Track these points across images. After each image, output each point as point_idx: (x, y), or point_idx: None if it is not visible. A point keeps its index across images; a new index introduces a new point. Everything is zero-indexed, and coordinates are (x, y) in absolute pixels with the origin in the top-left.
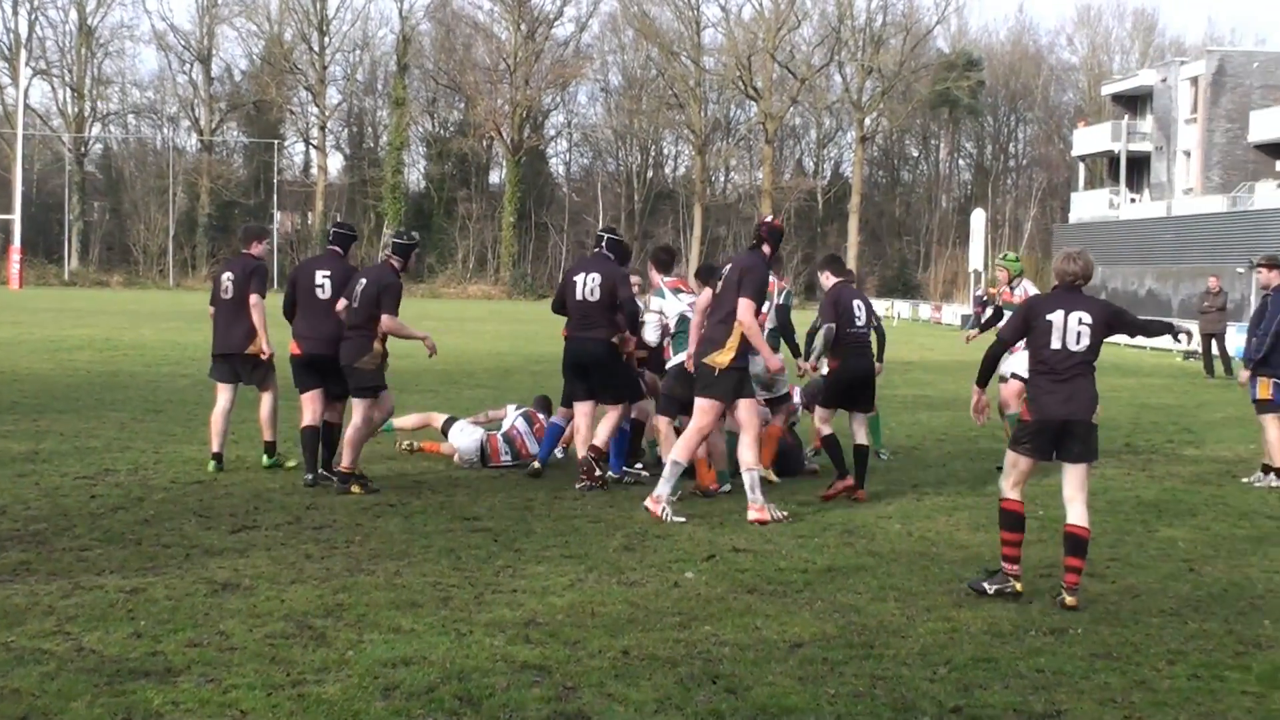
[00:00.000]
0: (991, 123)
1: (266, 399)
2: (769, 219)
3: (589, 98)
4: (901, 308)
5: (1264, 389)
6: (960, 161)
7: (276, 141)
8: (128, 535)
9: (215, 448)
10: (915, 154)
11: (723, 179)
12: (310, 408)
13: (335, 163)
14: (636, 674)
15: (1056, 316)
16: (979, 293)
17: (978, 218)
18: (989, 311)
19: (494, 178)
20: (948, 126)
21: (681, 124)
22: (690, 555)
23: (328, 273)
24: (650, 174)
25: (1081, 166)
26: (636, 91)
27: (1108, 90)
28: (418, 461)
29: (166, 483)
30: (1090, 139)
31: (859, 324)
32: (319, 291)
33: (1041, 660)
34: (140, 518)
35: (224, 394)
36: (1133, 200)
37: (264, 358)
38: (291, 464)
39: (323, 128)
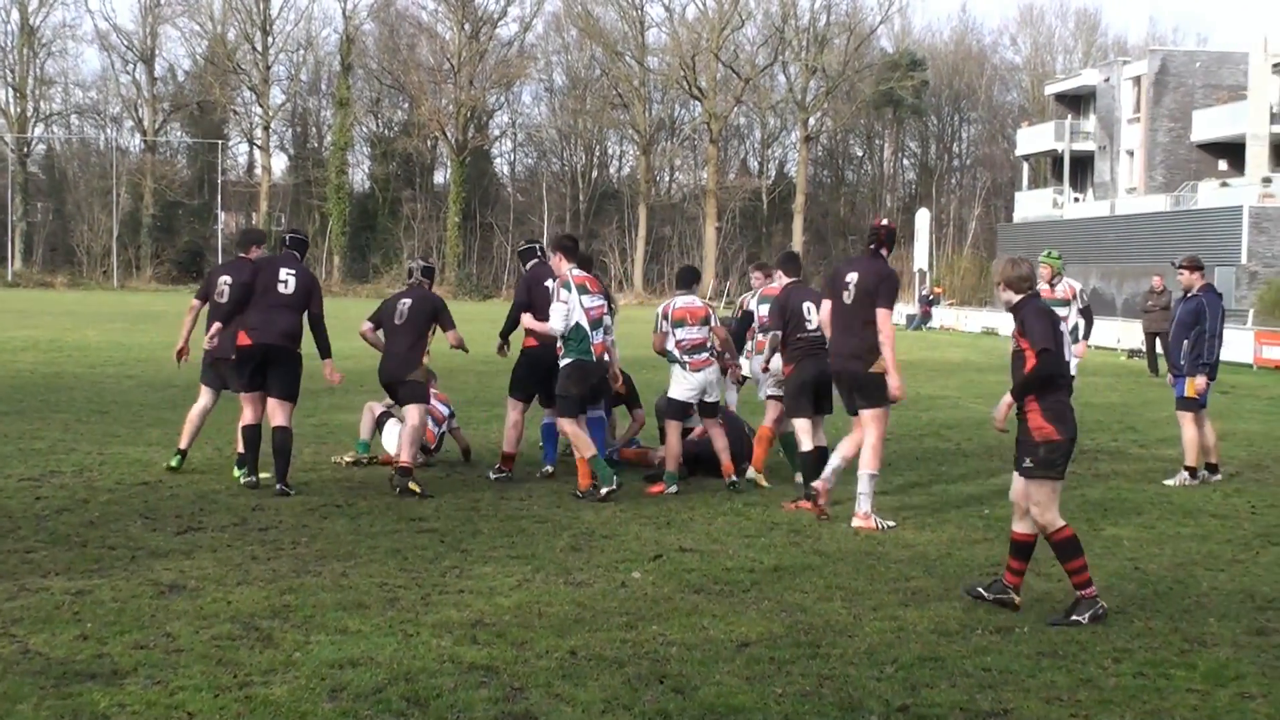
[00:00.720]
0: (935, 122)
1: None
2: (884, 222)
3: (533, 98)
4: None
5: (1192, 388)
6: (904, 161)
7: (220, 142)
8: (73, 537)
9: (183, 444)
10: (860, 154)
11: (667, 179)
12: (251, 407)
13: (279, 163)
14: (584, 674)
15: (1060, 327)
16: (924, 292)
17: (922, 217)
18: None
19: (439, 178)
20: (892, 126)
21: (626, 124)
22: (637, 555)
23: (292, 271)
24: (595, 174)
25: (1025, 166)
26: (581, 91)
27: (1051, 90)
28: (364, 467)
29: (112, 484)
30: (1034, 139)
31: (810, 328)
32: (282, 287)
33: (988, 659)
34: (86, 519)
35: (206, 396)
36: (1076, 200)
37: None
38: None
39: (266, 128)
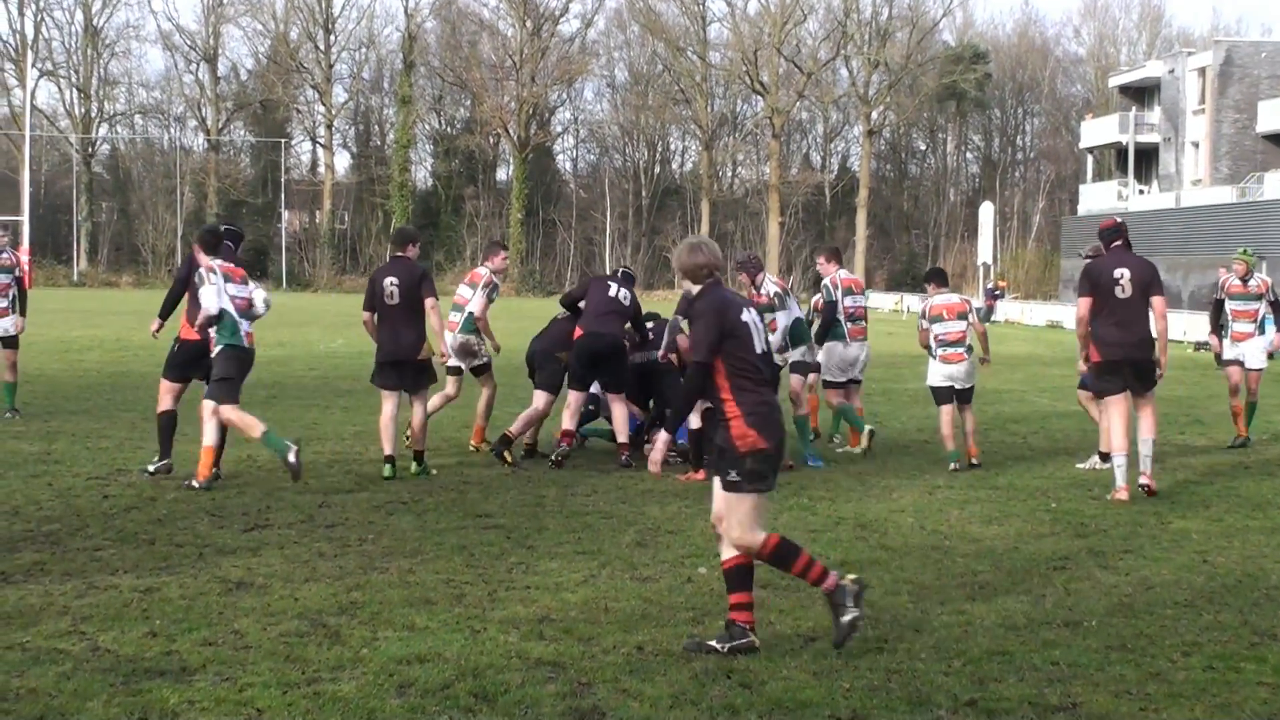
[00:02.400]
0: (999, 115)
1: (419, 408)
2: (1119, 220)
3: (595, 94)
4: (910, 301)
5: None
6: (968, 155)
7: (283, 140)
8: (141, 535)
9: (387, 451)
10: (923, 147)
11: (730, 174)
12: (171, 396)
13: (342, 161)
14: (651, 669)
15: (749, 318)
16: (989, 285)
17: (986, 211)
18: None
19: (501, 175)
20: (955, 120)
21: (688, 119)
22: (703, 550)
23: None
24: (657, 170)
25: (1089, 158)
26: (643, 87)
27: (1115, 82)
28: (430, 458)
29: (179, 482)
30: (1098, 131)
31: None
32: None
33: (1056, 653)
34: (153, 517)
35: (389, 401)
36: (1141, 192)
37: (443, 360)
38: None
39: (329, 126)
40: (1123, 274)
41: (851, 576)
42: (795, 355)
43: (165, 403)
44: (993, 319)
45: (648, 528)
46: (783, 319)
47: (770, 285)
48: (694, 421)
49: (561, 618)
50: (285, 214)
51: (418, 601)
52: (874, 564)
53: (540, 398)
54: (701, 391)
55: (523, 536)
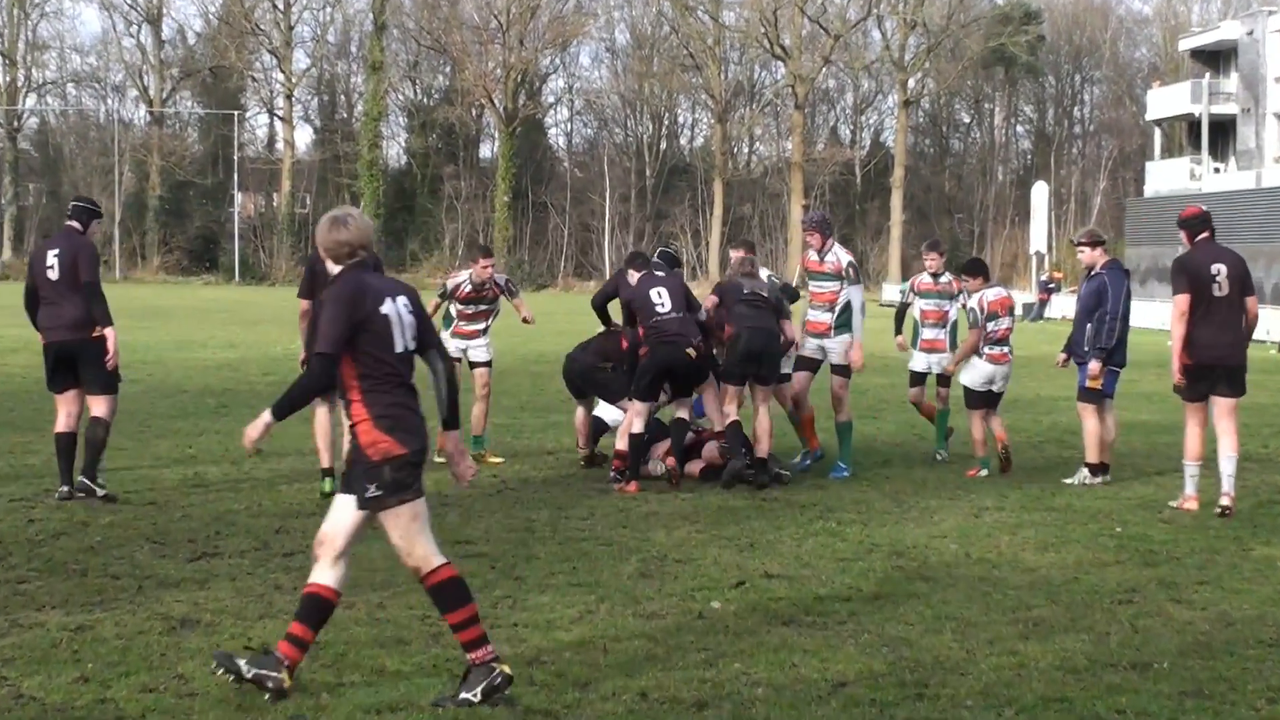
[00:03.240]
0: (1054, 84)
1: (333, 413)
2: (1204, 207)
3: (593, 59)
4: None
5: (1096, 379)
6: (1019, 128)
7: (237, 113)
8: (71, 565)
9: (324, 463)
10: (967, 120)
11: (746, 150)
12: (64, 410)
13: (304, 136)
14: (657, 718)
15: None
16: (1043, 278)
17: (1039, 192)
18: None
19: (485, 151)
20: (1003, 88)
21: (699, 88)
22: (716, 582)
23: (56, 251)
24: (664, 145)
25: (1157, 132)
26: (647, 52)
27: (1186, 45)
28: None
29: (114, 506)
30: (1167, 101)
31: (661, 312)
32: (50, 273)
33: (1122, 699)
34: (85, 544)
35: (321, 406)
36: (1217, 170)
37: None
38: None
39: (289, 96)
40: (1219, 269)
41: (506, 668)
42: (837, 353)
43: (60, 421)
44: (1046, 316)
45: (653, 556)
46: (855, 297)
47: (841, 254)
48: (637, 425)
49: (554, 660)
50: (238, 196)
51: (389, 641)
52: (912, 597)
53: (638, 407)
54: (325, 388)
55: (509, 566)
